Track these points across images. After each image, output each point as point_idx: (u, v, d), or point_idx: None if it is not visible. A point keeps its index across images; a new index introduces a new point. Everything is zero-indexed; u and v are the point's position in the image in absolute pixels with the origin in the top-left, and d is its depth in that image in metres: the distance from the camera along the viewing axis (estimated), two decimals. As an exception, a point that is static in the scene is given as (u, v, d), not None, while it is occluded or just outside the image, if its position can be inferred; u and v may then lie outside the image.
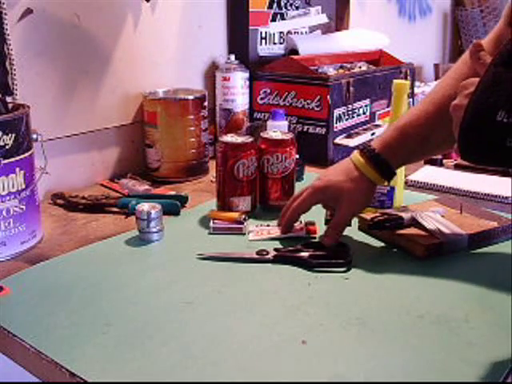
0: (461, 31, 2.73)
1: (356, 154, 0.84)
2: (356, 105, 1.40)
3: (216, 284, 0.73)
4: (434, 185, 1.14)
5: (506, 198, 1.05)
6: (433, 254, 0.81)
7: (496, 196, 1.06)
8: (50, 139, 1.05)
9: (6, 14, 0.95)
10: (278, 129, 1.10)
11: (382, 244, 0.86)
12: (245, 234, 0.89)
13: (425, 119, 0.80)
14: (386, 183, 0.85)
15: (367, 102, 1.45)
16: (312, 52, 1.52)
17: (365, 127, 1.45)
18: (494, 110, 0.56)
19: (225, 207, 0.96)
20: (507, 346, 0.59)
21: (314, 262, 0.78)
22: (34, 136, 0.86)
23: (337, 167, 0.87)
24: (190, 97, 1.18)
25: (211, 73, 1.39)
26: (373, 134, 1.41)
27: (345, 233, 0.89)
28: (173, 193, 1.09)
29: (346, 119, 1.37)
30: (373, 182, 0.83)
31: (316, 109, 1.31)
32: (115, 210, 1.00)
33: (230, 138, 0.97)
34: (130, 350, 0.59)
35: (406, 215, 0.86)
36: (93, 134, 1.16)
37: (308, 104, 1.32)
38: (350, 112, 1.37)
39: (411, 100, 1.68)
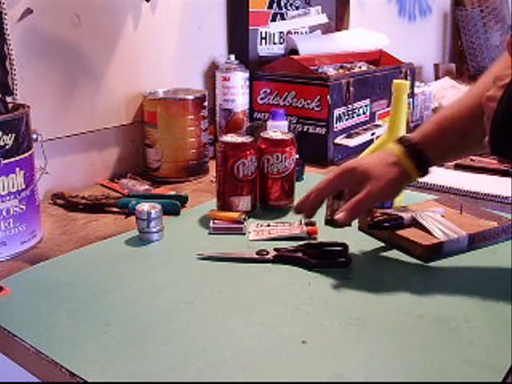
0: (461, 31, 2.73)
1: (393, 144, 0.81)
2: (356, 105, 1.40)
3: (216, 284, 0.74)
4: (434, 185, 1.14)
5: (506, 198, 1.05)
6: (433, 254, 0.81)
7: (496, 196, 1.06)
8: (50, 139, 1.05)
9: (6, 14, 0.95)
10: (278, 129, 1.10)
11: (382, 244, 0.86)
12: (245, 233, 0.89)
13: (464, 113, 0.77)
14: (419, 177, 0.80)
15: (367, 102, 1.45)
16: (312, 52, 1.52)
17: (365, 127, 1.45)
18: None
19: (225, 207, 0.96)
20: (507, 346, 0.59)
21: (314, 262, 0.78)
22: (34, 136, 0.86)
23: (372, 155, 0.84)
24: (190, 97, 1.18)
25: (211, 73, 1.39)
26: (373, 133, 1.41)
27: (345, 233, 0.89)
28: (173, 193, 1.09)
29: (346, 119, 1.37)
30: (406, 173, 0.78)
31: (316, 109, 1.31)
32: (115, 209, 1.00)
33: (230, 137, 0.97)
34: (129, 350, 0.59)
35: (406, 215, 0.86)
36: (93, 134, 1.16)
37: (308, 104, 1.32)
38: (349, 112, 1.37)
39: (411, 100, 1.68)
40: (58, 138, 1.09)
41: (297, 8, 1.58)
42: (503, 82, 0.59)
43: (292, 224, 0.91)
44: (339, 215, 0.78)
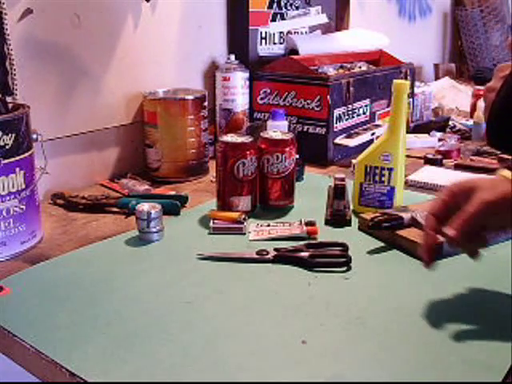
0: (461, 31, 2.73)
1: (498, 172, 0.70)
2: (356, 105, 1.40)
3: (216, 284, 0.74)
4: (434, 185, 1.14)
5: (506, 198, 1.05)
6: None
7: (496, 196, 1.06)
8: (50, 139, 1.05)
9: (6, 14, 0.95)
10: (278, 129, 1.10)
11: (382, 244, 0.86)
12: (245, 233, 0.89)
13: None
14: None
15: (367, 102, 1.45)
16: (312, 52, 1.52)
17: (365, 127, 1.45)
18: None
19: (225, 207, 0.96)
20: (507, 346, 0.59)
21: (314, 262, 0.78)
22: (34, 136, 0.86)
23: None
24: (190, 97, 1.18)
25: (211, 73, 1.39)
26: (373, 133, 1.41)
27: (345, 233, 0.89)
28: (173, 193, 1.09)
29: (346, 119, 1.37)
30: None
31: (316, 109, 1.31)
32: (115, 209, 1.00)
33: (230, 137, 0.97)
34: (130, 350, 0.59)
35: (405, 215, 0.86)
36: (93, 133, 1.16)
37: (308, 104, 1.32)
38: (349, 112, 1.37)
39: (411, 100, 1.68)
40: (58, 138, 1.09)
41: (297, 8, 1.58)
42: (503, 73, 0.58)
43: (292, 224, 0.91)
44: (448, 232, 0.62)
